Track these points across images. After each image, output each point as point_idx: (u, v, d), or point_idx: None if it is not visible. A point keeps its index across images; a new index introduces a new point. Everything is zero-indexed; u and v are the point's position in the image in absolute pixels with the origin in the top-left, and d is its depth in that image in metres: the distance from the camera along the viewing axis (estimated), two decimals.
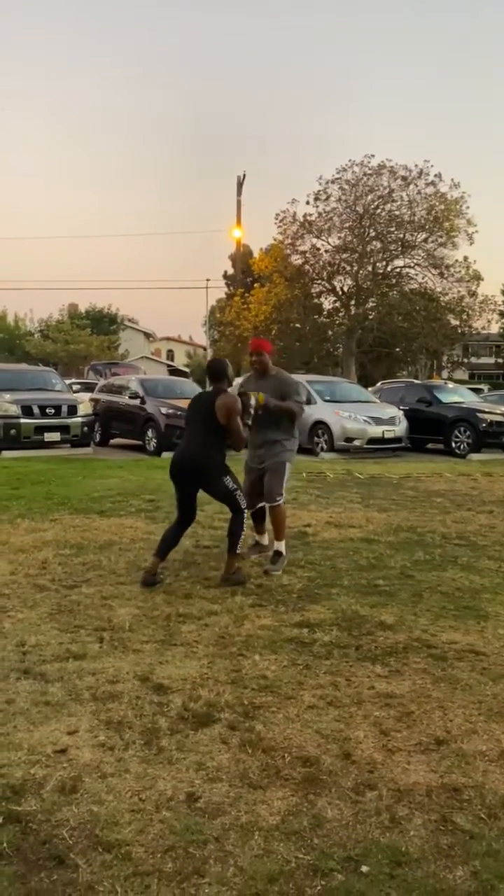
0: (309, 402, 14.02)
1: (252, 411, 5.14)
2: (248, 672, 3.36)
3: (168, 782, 2.45)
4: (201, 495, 4.97)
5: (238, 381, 5.66)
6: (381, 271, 29.42)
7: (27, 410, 12.72)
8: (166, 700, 3.06)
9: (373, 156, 28.31)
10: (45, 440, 12.78)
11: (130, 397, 14.24)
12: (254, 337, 5.86)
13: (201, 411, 4.82)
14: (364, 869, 2.04)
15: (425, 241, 28.48)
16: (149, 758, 2.61)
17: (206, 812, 2.30)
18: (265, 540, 5.59)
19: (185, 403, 13.39)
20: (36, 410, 12.81)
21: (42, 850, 2.12)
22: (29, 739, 2.72)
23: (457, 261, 28.76)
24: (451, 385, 17.72)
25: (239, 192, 29.70)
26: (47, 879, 2.00)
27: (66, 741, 2.71)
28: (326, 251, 29.35)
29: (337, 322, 30.38)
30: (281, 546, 5.22)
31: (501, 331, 43.52)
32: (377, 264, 29.42)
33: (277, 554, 5.21)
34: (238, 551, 4.90)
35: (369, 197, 28.30)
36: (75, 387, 18.95)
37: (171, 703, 3.03)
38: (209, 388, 5.12)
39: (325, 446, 13.66)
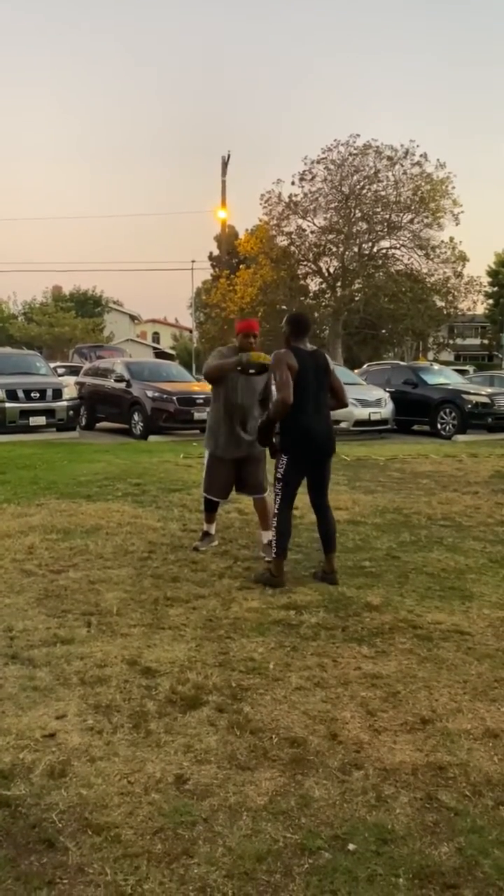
0: None
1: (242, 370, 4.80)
2: (236, 654, 3.38)
3: (157, 765, 2.47)
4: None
5: (220, 348, 5.21)
6: (367, 252, 29.32)
7: (12, 395, 12.63)
8: (154, 683, 3.07)
9: (358, 135, 28.16)
10: (31, 424, 12.71)
11: (116, 381, 14.16)
12: (244, 317, 5.42)
13: (320, 377, 4.40)
14: (351, 847, 2.07)
15: (411, 221, 28.41)
16: (137, 741, 2.63)
17: (195, 794, 2.32)
18: (213, 529, 5.41)
19: (171, 386, 13.56)
20: (21, 395, 12.72)
21: (32, 833, 2.13)
22: (17, 724, 2.72)
23: (442, 242, 28.78)
24: (436, 367, 17.77)
25: (224, 173, 29.47)
26: (37, 863, 2.01)
27: (54, 725, 2.72)
28: (312, 232, 29.23)
29: (323, 304, 30.29)
30: (268, 535, 5.08)
31: (487, 312, 43.58)
32: (363, 245, 29.32)
33: (271, 543, 4.96)
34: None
35: (355, 177, 28.14)
36: (60, 370, 18.82)
37: (159, 687, 3.04)
38: (310, 348, 4.50)
39: None
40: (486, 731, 2.72)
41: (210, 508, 5.35)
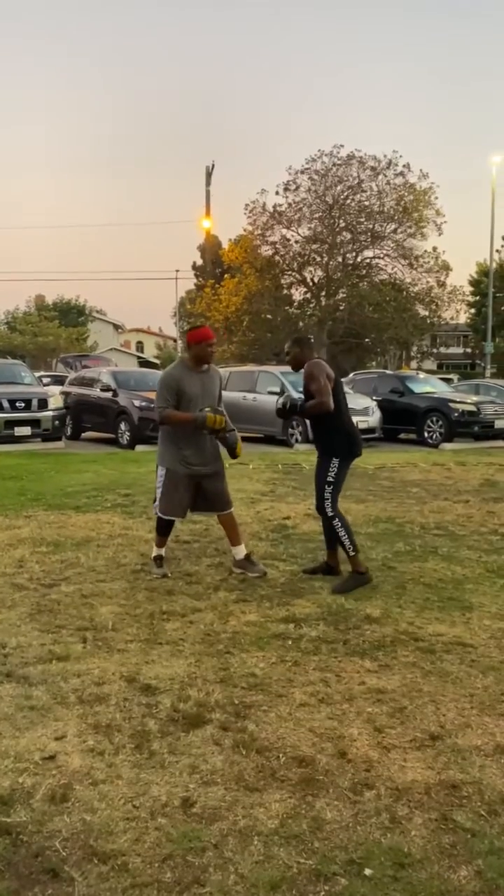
0: (282, 392, 14.01)
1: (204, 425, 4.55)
2: (237, 670, 3.30)
3: (162, 787, 2.39)
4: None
5: (169, 370, 4.82)
6: (351, 262, 29.49)
7: None
8: (155, 701, 2.99)
9: (342, 146, 28.47)
10: (16, 434, 12.56)
11: (102, 390, 14.04)
12: (199, 326, 4.87)
13: (342, 386, 4.81)
14: (367, 872, 2.00)
15: (395, 231, 28.64)
16: (140, 762, 2.54)
17: (203, 817, 2.24)
18: (164, 552, 4.96)
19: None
20: (5, 404, 12.58)
21: (34, 863, 2.04)
22: (15, 746, 2.63)
23: (426, 251, 29.01)
24: (422, 375, 17.83)
25: (208, 182, 29.51)
26: (42, 894, 1.92)
27: (53, 747, 2.63)
28: (297, 242, 29.36)
29: (308, 313, 30.41)
30: (243, 548, 4.90)
31: (469, 321, 43.90)
32: (347, 255, 29.49)
33: (249, 557, 4.89)
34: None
35: (339, 187, 28.35)
36: (45, 380, 18.67)
37: (160, 705, 2.96)
38: (324, 359, 4.88)
39: (299, 438, 13.62)
40: (496, 747, 2.66)
41: (166, 532, 4.93)
